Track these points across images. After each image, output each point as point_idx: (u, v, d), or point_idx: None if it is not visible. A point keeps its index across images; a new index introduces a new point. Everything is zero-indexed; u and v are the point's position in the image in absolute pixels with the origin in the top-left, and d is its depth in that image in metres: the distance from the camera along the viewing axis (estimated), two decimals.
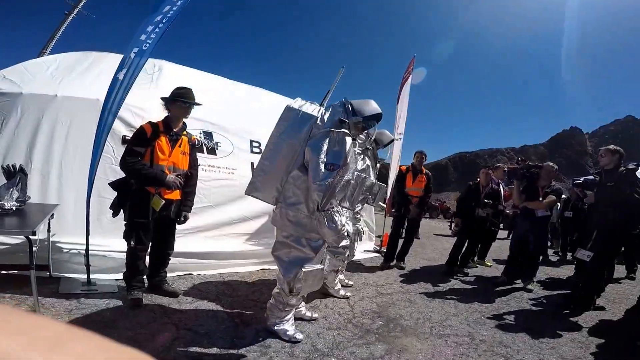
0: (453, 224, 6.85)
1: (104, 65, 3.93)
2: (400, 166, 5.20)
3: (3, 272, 2.90)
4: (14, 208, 2.55)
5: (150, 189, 2.80)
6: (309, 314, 2.90)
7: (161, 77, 4.19)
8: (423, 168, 4.92)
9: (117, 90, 2.90)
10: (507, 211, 5.49)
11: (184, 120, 3.03)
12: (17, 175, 2.70)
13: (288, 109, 2.50)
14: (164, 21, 2.98)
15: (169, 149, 2.89)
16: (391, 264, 4.93)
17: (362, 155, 3.35)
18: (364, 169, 3.30)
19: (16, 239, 2.82)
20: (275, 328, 2.52)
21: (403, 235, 5.11)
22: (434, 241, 4.85)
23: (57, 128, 3.31)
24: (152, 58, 4.53)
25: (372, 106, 2.68)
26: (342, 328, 2.83)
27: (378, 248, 5.89)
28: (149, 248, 2.96)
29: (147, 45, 2.94)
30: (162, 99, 2.94)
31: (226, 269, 3.91)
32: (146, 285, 3.01)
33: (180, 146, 2.96)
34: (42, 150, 3.23)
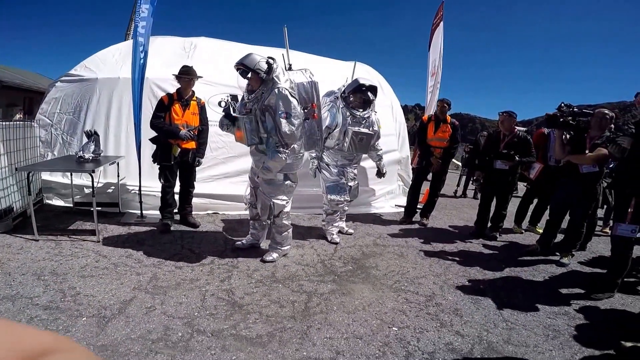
0: (473, 179, 6.04)
1: (150, 49, 4.86)
2: (422, 116, 4.87)
3: (84, 207, 4.12)
4: (90, 158, 3.74)
5: (171, 140, 3.69)
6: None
7: (196, 52, 4.92)
8: (448, 117, 4.51)
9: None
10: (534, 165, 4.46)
11: (193, 89, 3.81)
12: (92, 137, 3.90)
13: None
14: None
15: (182, 112, 3.74)
16: (413, 220, 4.87)
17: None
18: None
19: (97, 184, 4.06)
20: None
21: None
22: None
23: (123, 102, 4.43)
24: (190, 37, 5.32)
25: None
26: (310, 265, 3.20)
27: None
28: (175, 187, 3.89)
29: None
30: (173, 75, 3.70)
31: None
32: (176, 217, 3.98)
33: (189, 109, 3.72)
34: (114, 119, 4.43)
